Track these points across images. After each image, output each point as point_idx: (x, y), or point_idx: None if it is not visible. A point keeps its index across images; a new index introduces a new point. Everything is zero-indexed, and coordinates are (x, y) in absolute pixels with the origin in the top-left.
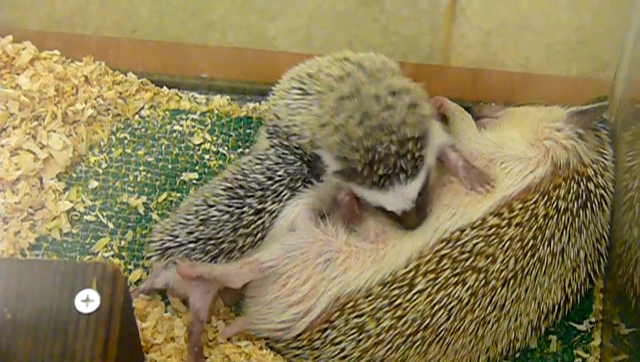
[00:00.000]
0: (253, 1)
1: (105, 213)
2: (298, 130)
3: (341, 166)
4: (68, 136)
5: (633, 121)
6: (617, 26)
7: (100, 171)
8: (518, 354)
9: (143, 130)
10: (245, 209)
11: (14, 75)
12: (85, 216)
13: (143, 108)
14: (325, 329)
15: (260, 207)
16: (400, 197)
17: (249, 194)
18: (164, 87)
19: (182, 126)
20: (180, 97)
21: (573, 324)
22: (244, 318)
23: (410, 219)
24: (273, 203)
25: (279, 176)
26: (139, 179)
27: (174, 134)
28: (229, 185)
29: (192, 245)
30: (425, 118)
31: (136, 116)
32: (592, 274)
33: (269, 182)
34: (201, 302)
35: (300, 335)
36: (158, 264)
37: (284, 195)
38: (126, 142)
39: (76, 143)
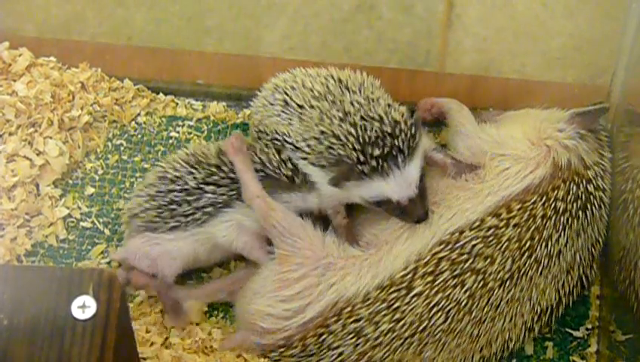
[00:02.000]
0: (249, 8)
1: (101, 220)
2: (280, 141)
3: (336, 171)
4: (64, 143)
5: (628, 126)
6: (613, 33)
7: (97, 178)
8: (514, 361)
9: (139, 136)
10: (190, 183)
11: (11, 81)
12: (81, 223)
13: (139, 114)
14: (321, 335)
15: (194, 185)
16: (403, 182)
17: (193, 169)
18: (161, 94)
19: (178, 132)
20: (177, 104)
21: (570, 331)
22: (240, 332)
23: (417, 208)
24: (209, 203)
25: (215, 178)
26: (135, 185)
27: (171, 141)
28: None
29: (154, 200)
30: (404, 113)
31: (133, 123)
32: (584, 277)
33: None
34: (167, 269)
35: (292, 339)
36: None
37: (218, 203)
38: (122, 148)
39: (72, 150)
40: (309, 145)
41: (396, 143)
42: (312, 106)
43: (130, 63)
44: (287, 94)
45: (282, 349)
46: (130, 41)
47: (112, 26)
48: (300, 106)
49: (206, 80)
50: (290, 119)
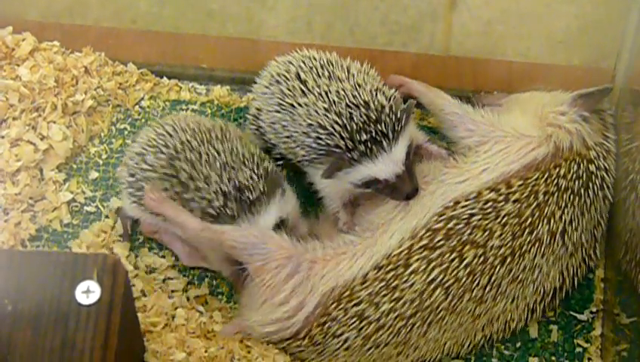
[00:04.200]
0: None
1: (105, 204)
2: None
3: (326, 162)
4: (68, 127)
5: (633, 107)
6: (618, 15)
7: (101, 162)
8: (519, 344)
9: (143, 120)
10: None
11: (14, 66)
12: (86, 207)
13: (143, 98)
14: (325, 323)
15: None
16: (390, 162)
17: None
18: (164, 78)
19: None
20: (180, 88)
21: (574, 314)
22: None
23: (405, 184)
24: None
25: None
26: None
27: None
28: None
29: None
30: (395, 97)
31: (137, 107)
32: (587, 258)
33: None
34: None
35: (298, 332)
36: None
37: None
38: (126, 132)
39: (76, 134)
40: (299, 145)
41: (380, 128)
42: (299, 105)
43: (134, 47)
44: (281, 90)
45: (289, 341)
46: (133, 25)
47: (116, 10)
48: (292, 105)
49: (210, 64)
50: (285, 119)
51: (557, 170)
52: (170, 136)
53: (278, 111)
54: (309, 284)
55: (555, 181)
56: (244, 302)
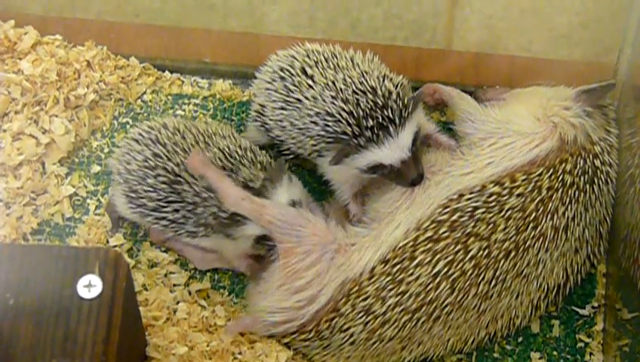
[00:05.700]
0: None
1: (107, 198)
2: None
3: (334, 148)
4: (70, 121)
5: (635, 102)
6: (620, 10)
7: (102, 156)
8: (520, 339)
9: (145, 114)
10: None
11: (16, 59)
12: (87, 201)
13: (145, 92)
14: (333, 319)
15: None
16: (396, 148)
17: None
18: (167, 72)
19: (184, 111)
20: (182, 82)
21: (576, 309)
22: (250, 316)
23: (411, 170)
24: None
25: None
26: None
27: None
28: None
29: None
30: (403, 84)
31: (139, 101)
32: (591, 255)
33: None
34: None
35: (305, 325)
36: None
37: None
38: (128, 126)
39: (78, 128)
40: (308, 136)
41: (387, 113)
42: (306, 98)
43: (136, 41)
44: (286, 85)
45: (294, 334)
46: (136, 18)
47: (118, 3)
48: (298, 100)
49: (212, 58)
50: (292, 115)
51: (563, 165)
52: (169, 159)
53: (284, 108)
54: (326, 276)
55: (561, 177)
56: (256, 289)
